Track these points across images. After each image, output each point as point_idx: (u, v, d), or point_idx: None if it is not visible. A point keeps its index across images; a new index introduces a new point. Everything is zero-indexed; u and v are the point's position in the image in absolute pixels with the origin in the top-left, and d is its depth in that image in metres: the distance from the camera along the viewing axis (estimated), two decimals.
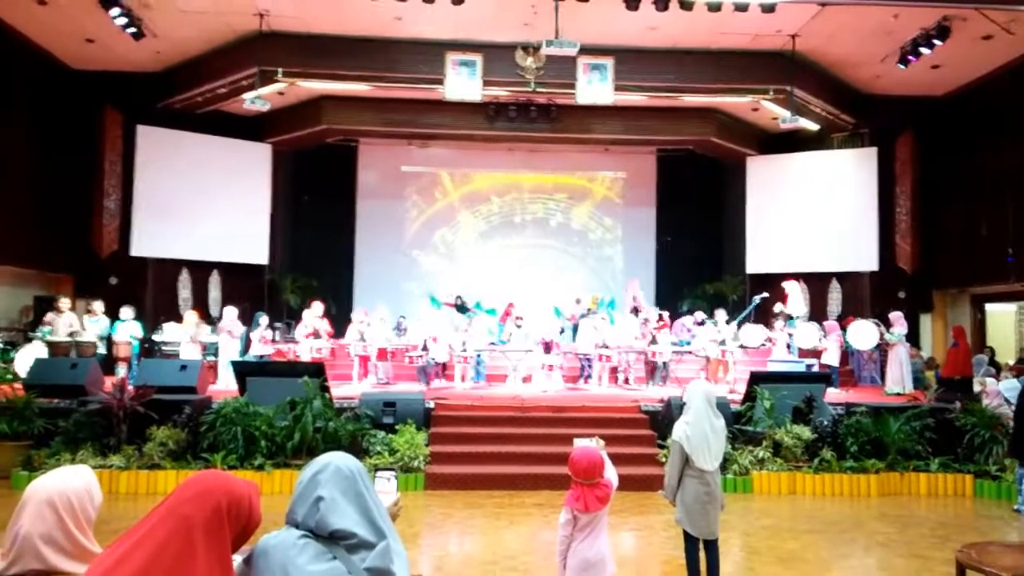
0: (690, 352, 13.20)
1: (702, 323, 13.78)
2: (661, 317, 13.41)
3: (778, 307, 13.99)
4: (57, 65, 13.77)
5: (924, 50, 12.20)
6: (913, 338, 14.21)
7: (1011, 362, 13.78)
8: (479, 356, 13.05)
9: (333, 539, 1.69)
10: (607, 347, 12.71)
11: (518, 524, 7.44)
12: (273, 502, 7.59)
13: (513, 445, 9.41)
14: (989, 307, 15.45)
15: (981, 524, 7.80)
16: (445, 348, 12.53)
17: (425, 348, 12.35)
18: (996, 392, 9.73)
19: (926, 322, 15.42)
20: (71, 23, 12.19)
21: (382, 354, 12.71)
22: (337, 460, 1.79)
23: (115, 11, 11.39)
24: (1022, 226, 12.82)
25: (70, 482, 1.95)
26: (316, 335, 12.96)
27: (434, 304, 14.29)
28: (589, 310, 14.73)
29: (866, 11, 11.57)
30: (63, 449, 8.69)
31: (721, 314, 13.18)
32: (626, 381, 13.12)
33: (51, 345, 11.64)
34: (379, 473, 2.33)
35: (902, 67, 12.89)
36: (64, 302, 12.40)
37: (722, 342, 12.62)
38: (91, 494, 1.98)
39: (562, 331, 13.61)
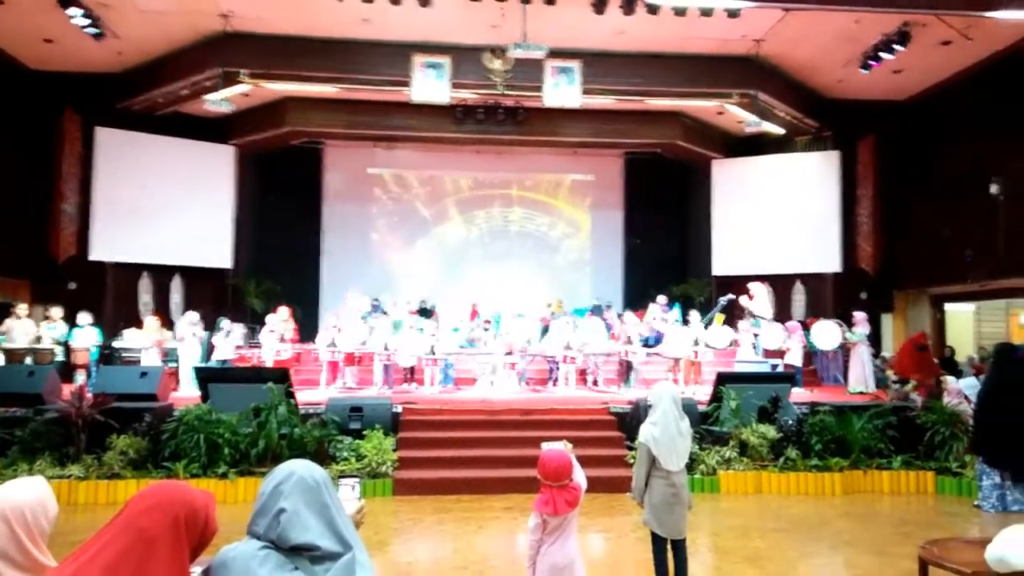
0: (658, 354, 13.30)
1: (669, 307, 14.07)
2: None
3: (743, 300, 14.08)
4: (15, 66, 13.44)
5: (885, 55, 12.44)
6: (875, 338, 14.46)
7: (975, 357, 14.08)
8: (448, 360, 13.00)
9: (295, 551, 1.66)
10: (571, 348, 12.73)
11: (487, 528, 7.41)
12: (237, 511, 7.46)
13: (482, 449, 9.37)
14: (948, 307, 15.78)
15: (943, 520, 7.94)
16: (412, 353, 12.46)
17: (387, 349, 12.30)
18: (957, 390, 9.94)
19: (887, 322, 15.71)
20: (30, 23, 11.91)
21: (350, 359, 12.60)
22: (300, 470, 1.75)
23: (74, 11, 11.15)
24: (982, 228, 13.11)
25: (23, 495, 1.90)
26: (281, 339, 12.81)
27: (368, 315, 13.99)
28: (553, 313, 14.80)
29: (829, 17, 11.76)
30: (20, 459, 8.45)
31: (694, 315, 13.29)
32: (595, 383, 13.16)
33: (7, 352, 11.39)
34: (342, 480, 2.30)
35: (864, 72, 13.13)
36: (22, 308, 12.11)
37: (694, 342, 12.71)
38: (45, 507, 1.94)
39: (528, 341, 13.59)
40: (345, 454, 8.89)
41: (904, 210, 15.29)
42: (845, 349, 13.56)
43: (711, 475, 9.02)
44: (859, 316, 13.15)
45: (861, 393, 12.10)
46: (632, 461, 8.81)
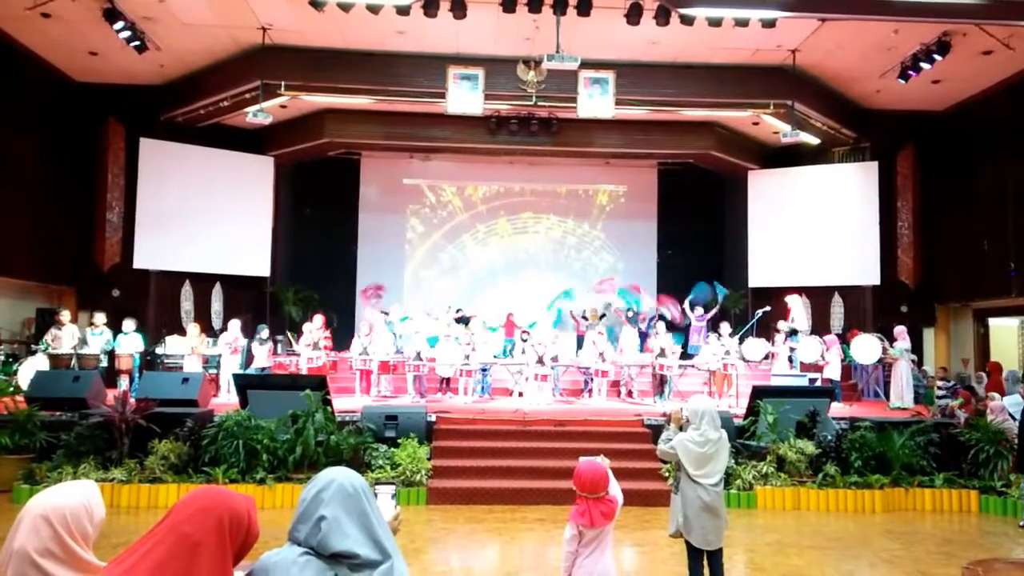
0: (693, 365, 13.18)
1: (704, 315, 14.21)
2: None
3: (782, 324, 13.94)
4: (62, 78, 13.84)
5: (924, 65, 12.23)
6: (917, 353, 14.16)
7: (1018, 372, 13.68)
8: (485, 370, 13.01)
9: (335, 558, 1.68)
10: (604, 359, 12.66)
11: (521, 539, 7.39)
12: (275, 516, 7.53)
13: (515, 459, 9.37)
14: (992, 321, 15.40)
15: (987, 540, 7.75)
16: (449, 363, 12.49)
17: (419, 358, 12.35)
18: (1000, 407, 9.68)
19: (928, 336, 15.38)
20: (75, 37, 12.26)
21: (384, 367, 12.69)
22: (341, 477, 1.78)
23: (119, 24, 11.44)
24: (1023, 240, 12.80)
25: (66, 498, 1.92)
26: (315, 347, 12.97)
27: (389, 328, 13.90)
28: (589, 324, 14.73)
29: (866, 26, 11.61)
30: (65, 463, 8.66)
31: (725, 327, 13.17)
32: (629, 394, 13.07)
33: (53, 358, 11.63)
34: (379, 488, 2.31)
35: (902, 82, 12.92)
36: (65, 315, 12.40)
37: (726, 354, 12.58)
38: (88, 510, 1.94)
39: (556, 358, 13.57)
40: (380, 462, 8.95)
41: (945, 222, 15.00)
42: (886, 364, 13.30)
43: (748, 491, 8.90)
44: (899, 330, 12.90)
45: (902, 409, 11.86)
46: (666, 474, 8.76)
